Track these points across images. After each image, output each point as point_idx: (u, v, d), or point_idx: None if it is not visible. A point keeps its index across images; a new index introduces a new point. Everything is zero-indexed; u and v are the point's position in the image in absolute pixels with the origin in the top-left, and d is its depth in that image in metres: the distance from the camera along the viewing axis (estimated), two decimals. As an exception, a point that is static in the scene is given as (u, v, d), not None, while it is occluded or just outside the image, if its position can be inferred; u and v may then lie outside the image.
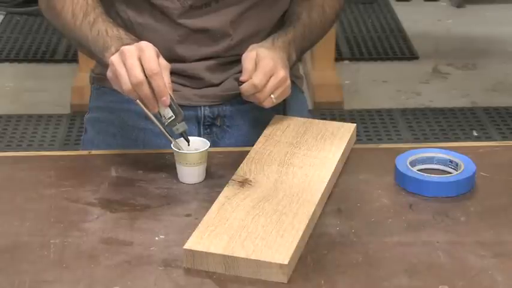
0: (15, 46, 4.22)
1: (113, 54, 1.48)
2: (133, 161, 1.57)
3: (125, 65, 1.42)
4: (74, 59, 3.92)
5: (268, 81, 1.54)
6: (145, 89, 1.41)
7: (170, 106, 1.44)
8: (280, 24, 1.70)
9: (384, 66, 4.05)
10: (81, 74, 3.49)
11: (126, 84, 1.41)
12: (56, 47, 4.18)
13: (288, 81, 1.58)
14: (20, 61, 4.07)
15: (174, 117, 1.46)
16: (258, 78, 1.54)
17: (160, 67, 1.42)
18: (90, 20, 1.57)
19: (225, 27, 1.65)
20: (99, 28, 1.56)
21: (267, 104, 1.56)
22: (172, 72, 1.65)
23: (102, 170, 1.54)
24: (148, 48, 1.42)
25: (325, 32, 1.76)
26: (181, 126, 1.47)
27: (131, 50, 1.42)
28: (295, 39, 1.65)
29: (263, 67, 1.54)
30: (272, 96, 1.55)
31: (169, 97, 1.43)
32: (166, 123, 1.46)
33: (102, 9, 1.60)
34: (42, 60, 4.08)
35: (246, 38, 1.67)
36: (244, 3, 1.65)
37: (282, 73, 1.55)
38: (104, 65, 1.55)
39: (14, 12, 4.62)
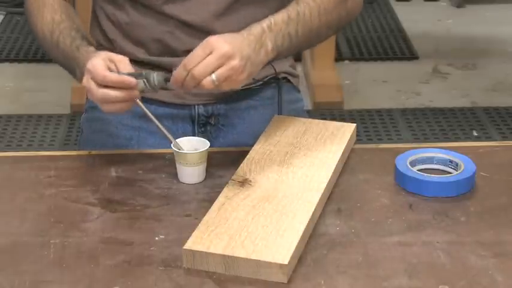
0: (15, 46, 4.22)
1: (78, 77, 1.52)
2: (133, 161, 1.57)
3: (92, 95, 1.44)
4: (74, 59, 3.92)
5: (206, 56, 1.38)
6: (112, 95, 1.41)
7: (133, 75, 1.43)
8: None
9: (383, 66, 4.05)
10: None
11: (101, 106, 1.44)
12: (56, 47, 4.18)
13: (238, 66, 1.39)
14: (20, 61, 4.08)
15: (144, 73, 1.44)
16: (191, 55, 1.39)
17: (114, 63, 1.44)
18: (54, 40, 1.59)
19: (209, 23, 1.62)
20: (62, 49, 1.57)
21: (207, 84, 1.39)
22: (166, 68, 1.64)
23: (102, 170, 1.54)
24: (93, 66, 1.43)
25: (324, 20, 1.58)
26: (159, 74, 1.45)
27: (85, 81, 1.44)
28: (271, 26, 1.49)
29: (202, 44, 1.40)
30: (213, 76, 1.38)
31: (133, 80, 1.42)
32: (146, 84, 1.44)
33: (66, 23, 1.60)
34: (42, 60, 4.08)
35: (234, 31, 1.65)
36: None
37: (225, 49, 1.38)
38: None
39: (14, 12, 4.62)
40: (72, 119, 3.48)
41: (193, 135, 1.66)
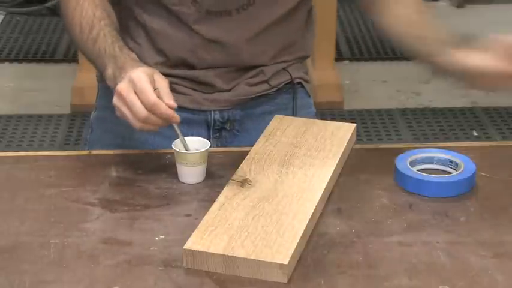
0: (15, 46, 4.22)
1: (108, 74, 1.49)
2: (133, 161, 1.57)
3: (126, 105, 1.41)
4: (74, 59, 3.92)
5: None
6: (153, 119, 1.41)
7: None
8: (292, 40, 1.70)
9: (383, 66, 4.05)
10: (81, 74, 3.49)
11: (134, 123, 1.41)
12: (56, 47, 4.18)
13: None
14: (20, 61, 4.08)
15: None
16: None
17: (158, 90, 1.41)
18: (93, 35, 1.57)
19: (240, 44, 1.64)
20: (99, 45, 1.55)
21: None
22: (183, 77, 1.64)
23: (102, 170, 1.54)
24: (140, 80, 1.40)
25: None
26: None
27: (125, 87, 1.41)
28: None
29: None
30: None
31: (177, 116, 1.42)
32: None
33: (108, 21, 1.59)
34: (42, 60, 4.09)
35: (258, 53, 1.67)
36: (264, 19, 1.63)
37: None
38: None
39: (14, 12, 4.63)
40: (72, 119, 3.48)
41: (208, 140, 1.65)
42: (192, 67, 1.66)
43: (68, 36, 1.68)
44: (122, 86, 1.41)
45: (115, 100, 1.43)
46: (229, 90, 1.68)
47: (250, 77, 1.67)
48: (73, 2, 1.61)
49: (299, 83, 1.76)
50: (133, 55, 1.54)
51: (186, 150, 1.49)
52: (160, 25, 1.63)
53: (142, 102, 1.40)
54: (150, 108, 1.39)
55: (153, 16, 1.64)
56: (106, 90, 1.76)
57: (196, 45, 1.63)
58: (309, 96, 1.83)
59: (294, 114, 1.74)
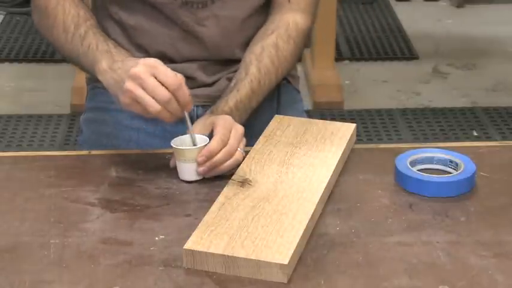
0: (15, 46, 4.22)
1: (103, 68, 1.48)
2: (133, 161, 1.57)
3: (144, 88, 1.39)
4: (73, 59, 3.92)
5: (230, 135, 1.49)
6: (174, 103, 1.40)
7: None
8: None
9: (383, 66, 4.05)
10: (81, 74, 3.47)
11: (153, 106, 1.38)
12: (56, 47, 4.18)
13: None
14: (20, 61, 4.08)
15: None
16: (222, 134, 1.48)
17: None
18: (81, 33, 1.57)
19: (217, 36, 1.65)
20: (89, 42, 1.55)
21: (239, 155, 1.48)
22: None
23: (102, 170, 1.54)
24: (158, 63, 1.40)
25: (282, 72, 1.68)
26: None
27: (143, 71, 1.39)
28: (237, 105, 1.59)
29: (224, 126, 1.49)
30: (240, 150, 1.49)
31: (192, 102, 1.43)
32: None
33: (93, 21, 1.60)
34: (42, 60, 4.08)
35: (236, 46, 1.68)
36: (239, 11, 1.64)
37: (239, 127, 1.51)
38: (95, 78, 1.55)
39: (14, 12, 4.62)
40: (72, 119, 3.48)
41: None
42: (172, 61, 1.66)
43: (43, 35, 1.66)
44: (139, 70, 1.39)
45: (129, 85, 1.39)
46: (210, 85, 1.69)
47: (233, 72, 1.67)
48: (53, 1, 1.61)
49: (284, 78, 1.76)
50: (128, 52, 1.55)
51: (194, 143, 1.48)
52: (137, 20, 1.64)
53: (167, 85, 1.38)
54: (175, 90, 1.38)
55: (129, 12, 1.64)
56: (93, 91, 1.77)
57: (174, 37, 1.64)
58: (298, 91, 1.84)
59: (277, 109, 1.74)
